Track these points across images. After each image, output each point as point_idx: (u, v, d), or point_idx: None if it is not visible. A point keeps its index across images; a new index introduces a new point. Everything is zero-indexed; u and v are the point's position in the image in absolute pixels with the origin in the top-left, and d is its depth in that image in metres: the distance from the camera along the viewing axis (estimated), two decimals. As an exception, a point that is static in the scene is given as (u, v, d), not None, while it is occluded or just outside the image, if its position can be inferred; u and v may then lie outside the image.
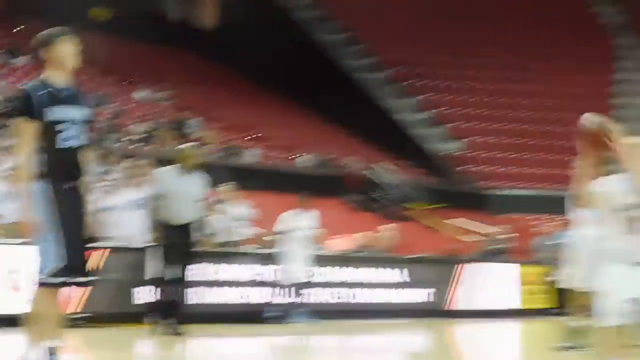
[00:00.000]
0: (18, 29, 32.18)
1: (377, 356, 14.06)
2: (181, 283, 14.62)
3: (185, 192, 14.19)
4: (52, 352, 7.53)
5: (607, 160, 8.85)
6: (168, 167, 15.31)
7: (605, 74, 41.79)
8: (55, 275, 6.72)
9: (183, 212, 14.41)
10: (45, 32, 7.22)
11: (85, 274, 7.59)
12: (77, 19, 34.69)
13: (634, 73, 41.93)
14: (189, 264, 14.71)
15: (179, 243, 14.11)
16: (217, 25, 43.56)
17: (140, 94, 33.06)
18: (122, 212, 19.06)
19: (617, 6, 44.98)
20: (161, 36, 38.70)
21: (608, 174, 8.85)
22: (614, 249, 8.66)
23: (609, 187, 8.76)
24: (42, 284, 7.34)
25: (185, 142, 19.91)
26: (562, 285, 13.86)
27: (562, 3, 44.06)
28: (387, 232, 24.89)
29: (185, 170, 14.35)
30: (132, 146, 27.70)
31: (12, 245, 14.38)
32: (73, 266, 7.29)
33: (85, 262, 7.58)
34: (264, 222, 22.93)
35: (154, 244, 14.66)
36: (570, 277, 12.90)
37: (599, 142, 8.15)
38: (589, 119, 7.89)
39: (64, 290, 7.64)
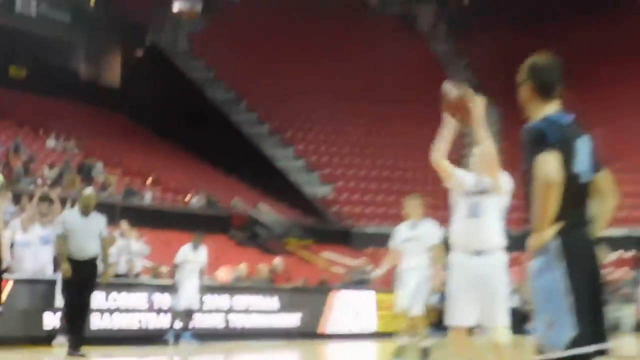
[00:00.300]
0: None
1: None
2: (85, 310, 14.41)
3: (86, 230, 14.03)
4: None
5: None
6: (73, 209, 15.21)
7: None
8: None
9: (86, 248, 14.14)
10: None
11: None
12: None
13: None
14: (92, 293, 14.43)
15: (83, 275, 13.90)
16: (120, 83, 43.43)
17: (51, 143, 32.65)
18: (33, 247, 18.76)
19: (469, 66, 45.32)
20: (72, 92, 38.37)
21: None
22: (457, 236, 8.75)
23: (461, 172, 8.94)
24: None
25: (90, 186, 19.69)
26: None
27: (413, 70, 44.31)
28: (266, 266, 24.89)
29: (87, 211, 14.21)
30: (44, 188, 27.30)
31: None
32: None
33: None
34: (160, 256, 22.81)
35: (62, 275, 14.27)
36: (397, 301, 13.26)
37: (460, 108, 8.07)
38: (450, 87, 7.81)
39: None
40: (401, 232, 13.23)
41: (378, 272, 14.94)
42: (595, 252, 5.38)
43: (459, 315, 8.67)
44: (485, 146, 8.76)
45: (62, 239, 14.19)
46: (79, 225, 14.07)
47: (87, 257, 14.01)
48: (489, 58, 44.36)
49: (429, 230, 12.88)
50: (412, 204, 13.15)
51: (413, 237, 12.92)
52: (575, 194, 5.35)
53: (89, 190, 15.61)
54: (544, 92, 5.59)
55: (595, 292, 5.33)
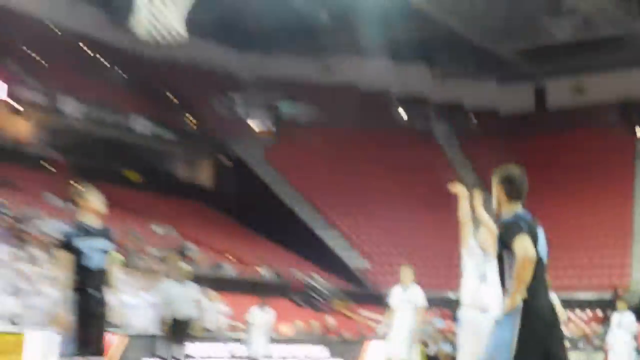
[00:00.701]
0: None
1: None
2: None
3: (183, 296, 14.37)
4: None
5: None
6: (171, 279, 15.24)
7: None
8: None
9: (183, 309, 14.34)
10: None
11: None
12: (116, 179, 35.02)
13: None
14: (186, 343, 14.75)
15: (180, 332, 14.29)
16: (212, 183, 43.81)
17: (156, 229, 33.07)
18: (142, 309, 19.25)
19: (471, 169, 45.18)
20: (173, 190, 38.88)
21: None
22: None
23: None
24: None
25: (184, 262, 20.07)
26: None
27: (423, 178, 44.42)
28: (317, 322, 24.95)
29: (182, 280, 14.57)
30: (150, 264, 27.74)
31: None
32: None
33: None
34: (238, 315, 23.08)
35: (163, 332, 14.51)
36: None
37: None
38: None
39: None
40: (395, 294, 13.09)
41: (383, 329, 14.10)
42: (553, 315, 5.65)
43: None
44: (487, 227, 9.23)
45: (164, 302, 14.40)
46: (177, 292, 14.46)
47: (183, 316, 14.27)
48: (487, 161, 44.50)
49: (418, 293, 12.78)
50: (405, 272, 13.07)
51: (405, 298, 12.79)
52: (540, 271, 5.66)
53: (184, 266, 16.06)
54: (514, 196, 6.09)
55: (547, 348, 5.51)
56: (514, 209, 6.07)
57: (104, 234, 7.69)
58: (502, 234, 5.90)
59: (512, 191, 6.15)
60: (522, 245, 5.64)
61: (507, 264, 5.73)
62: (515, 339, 5.45)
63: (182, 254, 30.25)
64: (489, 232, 9.18)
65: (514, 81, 46.64)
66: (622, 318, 16.52)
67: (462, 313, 9.10)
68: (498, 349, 5.51)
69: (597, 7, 34.82)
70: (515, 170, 6.22)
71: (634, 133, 44.16)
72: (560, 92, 46.57)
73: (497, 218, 6.21)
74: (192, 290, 14.95)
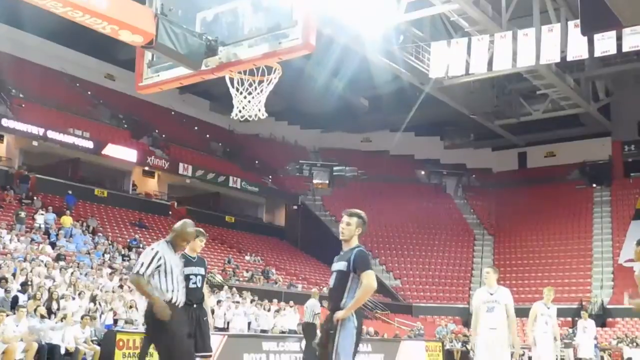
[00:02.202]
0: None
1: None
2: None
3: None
4: None
5: None
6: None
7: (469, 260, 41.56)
8: None
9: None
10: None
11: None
12: (218, 221, 34.91)
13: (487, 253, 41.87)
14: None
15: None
16: (285, 223, 43.88)
17: (247, 257, 33.11)
18: (241, 317, 19.17)
19: (471, 213, 44.87)
20: (258, 229, 39.14)
21: None
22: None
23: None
24: None
25: (267, 281, 19.73)
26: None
27: (443, 213, 44.07)
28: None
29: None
30: (243, 283, 27.75)
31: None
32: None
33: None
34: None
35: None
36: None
37: None
38: None
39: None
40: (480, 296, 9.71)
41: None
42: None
43: None
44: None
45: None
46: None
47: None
48: (484, 206, 44.22)
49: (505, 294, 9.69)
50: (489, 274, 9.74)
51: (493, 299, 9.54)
52: None
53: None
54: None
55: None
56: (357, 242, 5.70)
57: (201, 263, 7.57)
58: (358, 261, 5.56)
59: (364, 230, 5.79)
60: (372, 278, 5.46)
61: (352, 284, 5.51)
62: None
63: (266, 275, 30.29)
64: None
65: (503, 148, 46.44)
66: (585, 324, 16.44)
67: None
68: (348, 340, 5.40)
69: (561, 93, 34.70)
70: (364, 215, 5.84)
71: (592, 186, 43.69)
72: (537, 156, 46.28)
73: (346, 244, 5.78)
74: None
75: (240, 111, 9.94)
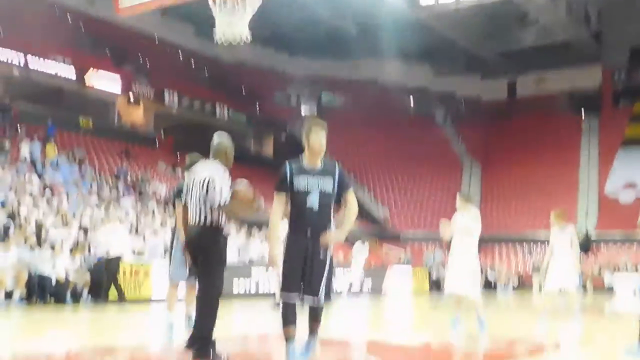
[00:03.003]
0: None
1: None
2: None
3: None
4: None
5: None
6: None
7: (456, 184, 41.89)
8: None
9: None
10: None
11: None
12: (204, 152, 35.12)
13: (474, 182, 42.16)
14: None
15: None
16: (273, 155, 43.75)
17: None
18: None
19: (460, 142, 44.95)
20: (245, 160, 39.21)
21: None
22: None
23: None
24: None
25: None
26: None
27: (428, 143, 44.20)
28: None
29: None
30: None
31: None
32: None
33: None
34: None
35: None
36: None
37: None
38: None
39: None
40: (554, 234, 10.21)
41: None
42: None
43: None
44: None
45: None
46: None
47: None
48: (472, 136, 44.33)
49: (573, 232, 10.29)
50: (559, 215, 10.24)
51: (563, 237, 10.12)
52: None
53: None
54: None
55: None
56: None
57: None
58: (345, 179, 5.22)
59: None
60: (355, 198, 5.23)
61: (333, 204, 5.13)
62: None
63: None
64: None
65: (493, 76, 46.18)
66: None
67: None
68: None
69: (552, 18, 34.29)
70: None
71: (580, 115, 43.85)
72: (527, 85, 46.11)
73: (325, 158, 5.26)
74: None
75: (224, 34, 9.65)
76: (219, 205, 5.53)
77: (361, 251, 20.12)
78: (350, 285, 19.80)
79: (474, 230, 8.30)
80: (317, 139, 5.21)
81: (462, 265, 8.22)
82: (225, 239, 5.74)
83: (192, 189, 5.73)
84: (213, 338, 5.59)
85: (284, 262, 5.02)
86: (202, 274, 5.62)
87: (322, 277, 5.01)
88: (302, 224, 5.03)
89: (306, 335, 5.15)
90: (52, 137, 26.72)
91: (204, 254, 5.59)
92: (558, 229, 10.24)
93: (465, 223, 8.32)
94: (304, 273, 4.99)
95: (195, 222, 5.62)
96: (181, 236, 6.24)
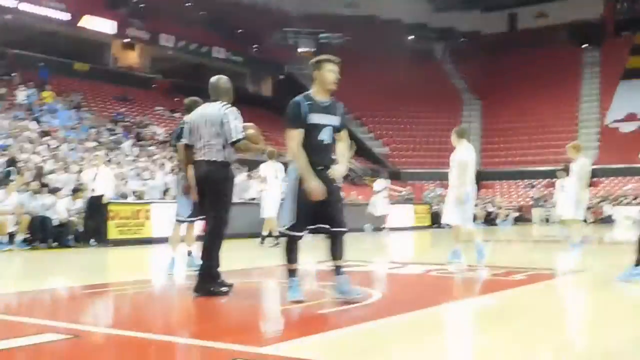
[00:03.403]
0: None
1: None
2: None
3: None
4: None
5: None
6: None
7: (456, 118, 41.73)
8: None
9: None
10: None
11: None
12: (202, 93, 34.93)
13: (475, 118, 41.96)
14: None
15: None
16: (271, 93, 43.46)
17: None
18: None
19: (460, 78, 44.67)
20: (242, 100, 38.92)
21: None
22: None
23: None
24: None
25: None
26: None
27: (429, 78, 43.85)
28: (355, 192, 24.97)
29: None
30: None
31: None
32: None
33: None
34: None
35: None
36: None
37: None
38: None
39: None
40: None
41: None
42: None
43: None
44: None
45: None
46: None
47: None
48: (473, 70, 43.92)
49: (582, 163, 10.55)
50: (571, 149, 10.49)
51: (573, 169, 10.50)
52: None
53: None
54: None
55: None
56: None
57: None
58: (345, 117, 5.37)
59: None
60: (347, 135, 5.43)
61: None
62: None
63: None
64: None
65: (493, 9, 45.51)
66: (563, 183, 17.05)
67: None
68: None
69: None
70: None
71: (581, 47, 43.34)
72: (527, 17, 45.46)
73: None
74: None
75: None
76: (234, 141, 5.59)
77: (384, 187, 20.15)
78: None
79: (467, 164, 8.36)
80: (332, 75, 5.17)
81: (456, 197, 8.34)
82: (233, 175, 5.89)
83: (202, 128, 5.73)
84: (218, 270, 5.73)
85: (299, 197, 5.01)
86: (212, 208, 5.71)
87: (342, 208, 5.23)
88: (318, 159, 5.07)
89: (334, 264, 5.17)
90: (46, 81, 26.54)
91: (215, 188, 5.68)
92: (572, 162, 10.63)
93: (458, 157, 8.41)
94: (326, 206, 5.04)
95: (206, 159, 5.69)
96: (189, 175, 6.16)
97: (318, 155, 5.08)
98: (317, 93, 5.21)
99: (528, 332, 4.22)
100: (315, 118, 5.10)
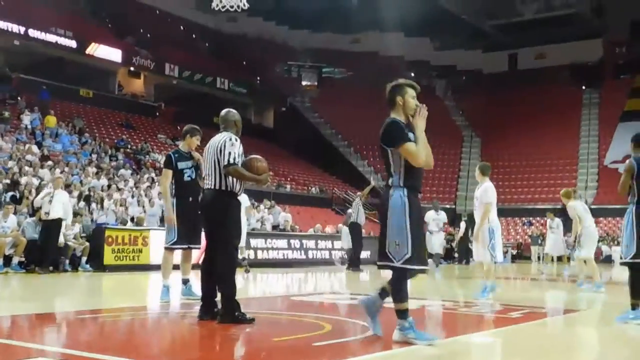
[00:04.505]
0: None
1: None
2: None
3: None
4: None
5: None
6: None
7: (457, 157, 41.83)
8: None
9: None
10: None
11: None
12: (205, 122, 34.92)
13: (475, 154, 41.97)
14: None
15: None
16: (273, 125, 43.62)
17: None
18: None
19: (461, 115, 44.86)
20: (246, 131, 39.06)
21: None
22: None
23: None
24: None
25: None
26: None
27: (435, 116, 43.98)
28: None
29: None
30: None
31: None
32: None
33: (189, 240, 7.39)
34: (295, 219, 23.08)
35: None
36: None
37: None
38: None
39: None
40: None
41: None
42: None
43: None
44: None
45: None
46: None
47: None
48: (473, 108, 44.09)
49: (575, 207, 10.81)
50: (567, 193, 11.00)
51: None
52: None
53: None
54: None
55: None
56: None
57: (193, 157, 7.62)
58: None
59: None
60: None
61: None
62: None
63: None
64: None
65: (494, 49, 45.86)
66: (552, 224, 17.22)
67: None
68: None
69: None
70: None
71: (581, 88, 43.63)
72: (527, 58, 45.84)
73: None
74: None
75: (221, 0, 9.56)
76: (225, 165, 5.64)
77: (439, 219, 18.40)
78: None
79: (484, 201, 8.58)
80: (414, 101, 5.02)
81: (475, 235, 8.72)
82: (239, 203, 5.92)
83: (207, 157, 5.87)
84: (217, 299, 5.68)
85: (412, 225, 4.62)
86: (219, 237, 5.71)
87: None
88: (420, 181, 4.88)
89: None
90: (47, 103, 26.60)
91: (213, 216, 5.73)
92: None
93: (485, 199, 8.62)
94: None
95: (208, 187, 5.80)
96: (166, 204, 7.16)
97: (420, 176, 4.96)
98: (402, 116, 4.99)
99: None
100: (412, 137, 4.91)
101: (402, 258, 4.56)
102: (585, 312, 7.97)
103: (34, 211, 13.59)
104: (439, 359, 4.43)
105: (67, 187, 16.07)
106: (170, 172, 7.45)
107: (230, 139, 5.78)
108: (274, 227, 21.44)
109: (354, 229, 17.00)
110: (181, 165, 7.42)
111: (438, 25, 42.85)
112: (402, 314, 4.63)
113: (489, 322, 6.73)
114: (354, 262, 16.45)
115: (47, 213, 12.53)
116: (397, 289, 4.67)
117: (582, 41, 42.98)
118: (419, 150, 4.74)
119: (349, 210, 18.62)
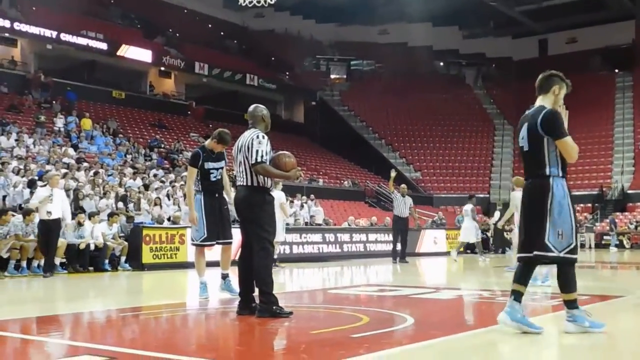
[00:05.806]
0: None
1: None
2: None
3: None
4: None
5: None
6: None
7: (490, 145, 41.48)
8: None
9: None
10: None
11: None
12: (236, 120, 35.04)
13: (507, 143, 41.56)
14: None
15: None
16: (303, 120, 43.77)
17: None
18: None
19: (491, 103, 44.42)
20: (276, 126, 39.14)
21: None
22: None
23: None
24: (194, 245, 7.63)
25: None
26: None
27: (462, 104, 43.67)
28: (386, 217, 24.72)
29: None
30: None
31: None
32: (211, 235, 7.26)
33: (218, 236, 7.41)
34: (327, 213, 23.07)
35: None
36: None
37: None
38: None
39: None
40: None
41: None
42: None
43: None
44: None
45: None
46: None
47: None
48: (503, 96, 43.63)
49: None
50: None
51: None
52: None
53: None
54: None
55: None
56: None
57: (222, 157, 7.66)
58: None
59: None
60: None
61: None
62: None
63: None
64: None
65: (523, 35, 45.29)
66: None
67: None
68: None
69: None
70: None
71: (613, 71, 42.85)
72: (558, 43, 45.13)
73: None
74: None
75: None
76: (252, 163, 5.70)
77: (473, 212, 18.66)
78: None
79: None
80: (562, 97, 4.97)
81: (514, 238, 9.36)
82: (272, 199, 5.96)
83: (237, 154, 5.91)
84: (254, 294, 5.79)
85: (576, 218, 4.76)
86: (253, 233, 5.78)
87: None
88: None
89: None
90: (74, 104, 27.10)
91: (246, 212, 5.82)
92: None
93: (517, 200, 8.83)
94: None
95: (240, 183, 5.88)
96: (189, 201, 7.31)
97: None
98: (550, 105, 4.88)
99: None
100: None
101: (565, 248, 4.57)
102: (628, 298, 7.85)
103: (25, 214, 12.83)
104: (478, 349, 4.42)
105: (100, 188, 16.29)
106: (195, 171, 7.42)
107: (257, 137, 5.80)
108: (310, 220, 21.53)
109: (395, 222, 17.07)
110: (208, 165, 7.44)
111: (466, 13, 42.43)
112: (572, 304, 4.62)
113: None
114: (401, 254, 16.45)
115: (50, 212, 12.26)
116: (566, 279, 4.63)
117: (614, 23, 42.18)
118: (575, 147, 4.70)
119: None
